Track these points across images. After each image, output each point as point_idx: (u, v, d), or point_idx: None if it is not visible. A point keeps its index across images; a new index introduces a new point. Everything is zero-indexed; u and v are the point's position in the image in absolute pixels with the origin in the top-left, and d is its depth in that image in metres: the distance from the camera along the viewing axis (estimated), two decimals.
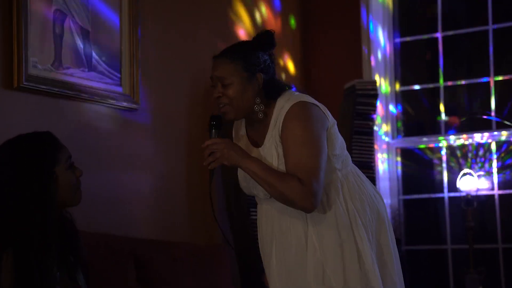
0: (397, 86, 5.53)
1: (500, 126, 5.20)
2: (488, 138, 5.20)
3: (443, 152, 5.36)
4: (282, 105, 2.62)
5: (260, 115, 2.66)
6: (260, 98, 2.65)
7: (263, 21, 5.06)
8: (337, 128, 2.70)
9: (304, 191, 2.48)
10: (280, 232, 2.69)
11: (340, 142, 2.70)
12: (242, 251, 4.34)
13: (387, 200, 5.31)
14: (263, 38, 2.70)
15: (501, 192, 5.16)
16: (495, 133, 5.17)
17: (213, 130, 2.64)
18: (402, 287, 2.79)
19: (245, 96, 2.63)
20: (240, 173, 2.74)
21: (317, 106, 2.64)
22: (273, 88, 2.67)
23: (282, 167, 2.59)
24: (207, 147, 2.57)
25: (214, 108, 2.72)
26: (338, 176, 2.68)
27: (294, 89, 2.76)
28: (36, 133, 2.54)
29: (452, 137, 5.31)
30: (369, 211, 2.70)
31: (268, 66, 2.68)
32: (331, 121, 2.67)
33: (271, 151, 2.63)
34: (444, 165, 5.34)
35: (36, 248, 2.36)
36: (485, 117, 5.23)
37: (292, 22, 5.33)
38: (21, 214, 2.38)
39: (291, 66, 5.32)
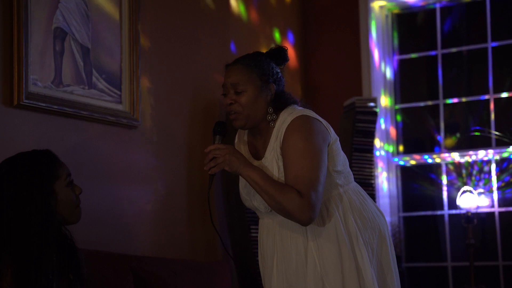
0: (397, 104, 5.54)
1: (500, 144, 5.21)
2: (488, 156, 5.20)
3: (443, 169, 5.36)
4: (284, 118, 2.64)
5: (272, 124, 2.67)
6: (272, 108, 2.67)
7: (263, 36, 5.08)
8: (339, 145, 2.71)
9: (302, 203, 2.48)
10: (281, 246, 2.69)
11: (342, 158, 2.71)
12: (243, 268, 4.33)
13: (387, 217, 5.30)
14: (277, 53, 2.73)
15: (501, 209, 5.16)
16: (495, 150, 5.18)
17: (217, 136, 2.65)
18: None
19: (256, 105, 2.64)
20: (241, 183, 2.75)
21: (319, 121, 2.65)
22: (282, 101, 2.69)
23: (283, 180, 2.59)
24: (209, 152, 2.58)
25: (217, 119, 2.72)
26: (340, 192, 2.69)
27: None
28: (35, 151, 2.55)
29: (452, 155, 5.31)
30: (370, 229, 2.70)
31: (280, 78, 2.71)
32: (333, 136, 2.68)
33: (272, 164, 2.64)
34: (444, 182, 5.34)
35: (35, 261, 2.36)
36: (492, 134, 5.24)
37: (277, 35, 5.31)
38: (21, 228, 2.38)
39: (289, 82, 5.33)
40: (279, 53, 2.74)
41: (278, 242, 2.70)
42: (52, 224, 2.45)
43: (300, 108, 2.70)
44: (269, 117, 2.67)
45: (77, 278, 2.57)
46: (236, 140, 2.87)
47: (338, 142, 2.71)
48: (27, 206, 2.40)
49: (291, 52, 5.39)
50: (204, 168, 2.58)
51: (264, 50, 2.86)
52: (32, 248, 2.37)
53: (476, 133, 5.32)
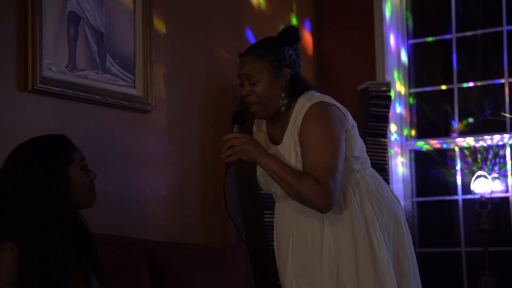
0: (411, 88, 5.51)
1: None
2: (502, 140, 5.18)
3: (457, 154, 5.34)
4: (302, 104, 2.63)
5: (283, 108, 2.66)
6: (286, 93, 2.66)
7: (276, 20, 5.06)
8: (357, 130, 2.71)
9: (321, 191, 2.49)
10: (296, 230, 2.70)
11: (359, 144, 2.71)
12: (256, 253, 4.34)
13: (401, 202, 5.29)
14: (288, 33, 2.71)
15: None
16: (510, 135, 5.15)
17: (235, 125, 2.65)
18: None
19: (273, 92, 2.64)
20: (259, 169, 2.75)
21: (337, 107, 2.64)
22: (298, 84, 2.68)
23: (300, 166, 2.60)
24: (228, 140, 2.58)
25: (232, 107, 2.72)
26: (356, 178, 2.69)
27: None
28: (50, 136, 2.56)
29: (466, 139, 5.29)
30: (386, 214, 2.70)
31: (294, 61, 2.70)
32: (351, 122, 2.67)
33: (290, 149, 2.64)
34: (458, 167, 5.32)
35: (51, 245, 2.38)
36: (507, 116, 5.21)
37: (294, 21, 5.29)
38: (36, 213, 2.39)
39: (303, 67, 5.31)
40: (289, 34, 2.72)
41: (294, 226, 2.71)
42: (67, 208, 2.46)
43: (318, 94, 2.69)
44: (281, 102, 2.66)
45: (91, 263, 2.58)
46: (254, 128, 2.87)
47: (356, 128, 2.71)
48: (42, 190, 2.42)
49: (305, 37, 5.37)
50: (221, 156, 2.58)
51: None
52: (48, 232, 2.38)
53: (490, 117, 5.29)
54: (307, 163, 2.55)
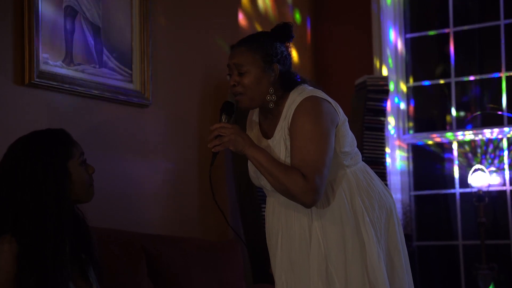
0: (408, 82, 5.52)
1: None
2: (499, 134, 5.19)
3: (454, 148, 5.34)
4: (294, 99, 2.63)
5: (271, 105, 2.65)
6: (274, 88, 2.65)
7: (274, 16, 5.05)
8: (348, 125, 2.70)
9: (306, 186, 2.49)
10: (285, 224, 2.70)
11: (350, 139, 2.70)
12: (253, 246, 4.34)
13: (398, 196, 5.31)
14: (281, 30, 2.71)
15: None
16: (506, 129, 5.16)
17: (223, 115, 2.65)
18: (411, 285, 2.78)
19: (260, 85, 2.63)
20: (250, 163, 2.76)
21: (329, 102, 2.64)
22: (288, 80, 2.68)
23: (289, 160, 2.59)
24: (215, 129, 2.58)
25: (227, 99, 2.72)
26: (346, 173, 2.68)
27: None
28: (50, 130, 2.56)
29: (463, 133, 5.30)
30: (377, 208, 2.69)
31: (285, 57, 2.69)
32: (342, 117, 2.67)
33: (280, 143, 2.64)
34: (455, 161, 5.32)
35: (52, 241, 2.38)
36: (499, 112, 5.21)
37: (297, 16, 5.30)
38: (35, 209, 2.40)
39: (301, 61, 5.32)
40: (283, 30, 2.71)
41: (283, 221, 2.71)
42: (67, 203, 2.46)
43: (310, 88, 2.68)
44: (269, 98, 2.66)
45: (89, 257, 2.59)
46: (247, 123, 2.87)
47: (347, 123, 2.70)
48: (43, 186, 2.42)
49: (302, 30, 5.37)
50: (208, 146, 2.58)
51: None
52: (47, 229, 2.39)
53: (488, 112, 5.30)
54: (295, 158, 2.55)
